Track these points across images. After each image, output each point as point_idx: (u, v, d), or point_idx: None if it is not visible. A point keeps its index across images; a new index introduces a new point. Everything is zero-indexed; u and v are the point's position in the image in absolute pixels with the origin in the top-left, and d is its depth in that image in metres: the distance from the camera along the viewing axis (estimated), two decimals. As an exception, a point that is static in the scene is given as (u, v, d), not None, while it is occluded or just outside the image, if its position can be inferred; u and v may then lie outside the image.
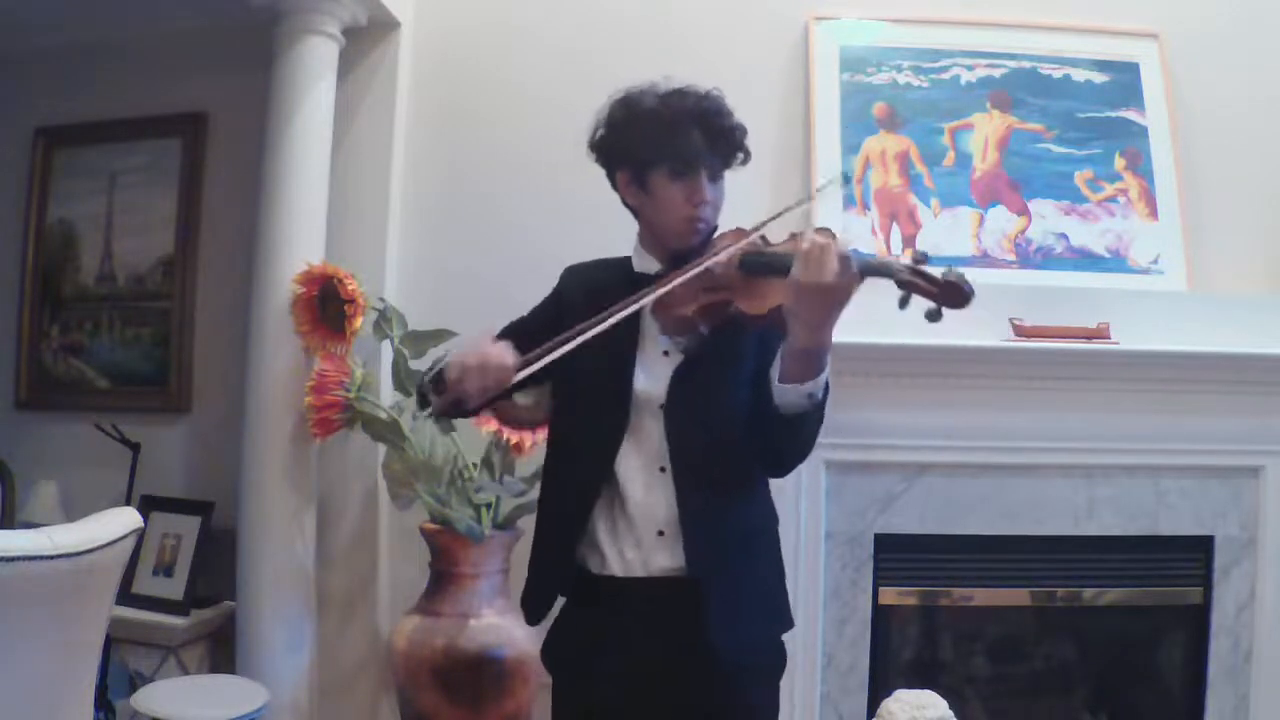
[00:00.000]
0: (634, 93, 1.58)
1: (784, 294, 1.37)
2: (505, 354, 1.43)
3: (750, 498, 1.62)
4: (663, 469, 1.53)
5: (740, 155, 1.60)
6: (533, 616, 1.63)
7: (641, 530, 1.53)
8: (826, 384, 1.43)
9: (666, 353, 1.57)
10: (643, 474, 1.53)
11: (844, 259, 1.32)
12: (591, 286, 1.62)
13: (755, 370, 1.55)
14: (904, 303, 1.36)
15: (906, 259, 1.36)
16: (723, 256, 1.49)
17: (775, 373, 1.42)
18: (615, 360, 1.56)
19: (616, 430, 1.54)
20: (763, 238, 1.56)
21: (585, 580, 1.56)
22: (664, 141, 1.53)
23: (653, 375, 1.55)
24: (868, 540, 2.55)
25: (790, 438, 1.48)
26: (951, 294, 1.32)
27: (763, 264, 1.47)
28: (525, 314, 1.71)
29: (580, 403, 1.59)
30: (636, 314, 1.54)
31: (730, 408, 1.53)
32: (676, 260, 1.56)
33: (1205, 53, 2.86)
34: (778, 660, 1.63)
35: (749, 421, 1.52)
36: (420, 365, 2.57)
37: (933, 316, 1.34)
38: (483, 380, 1.42)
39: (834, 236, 1.36)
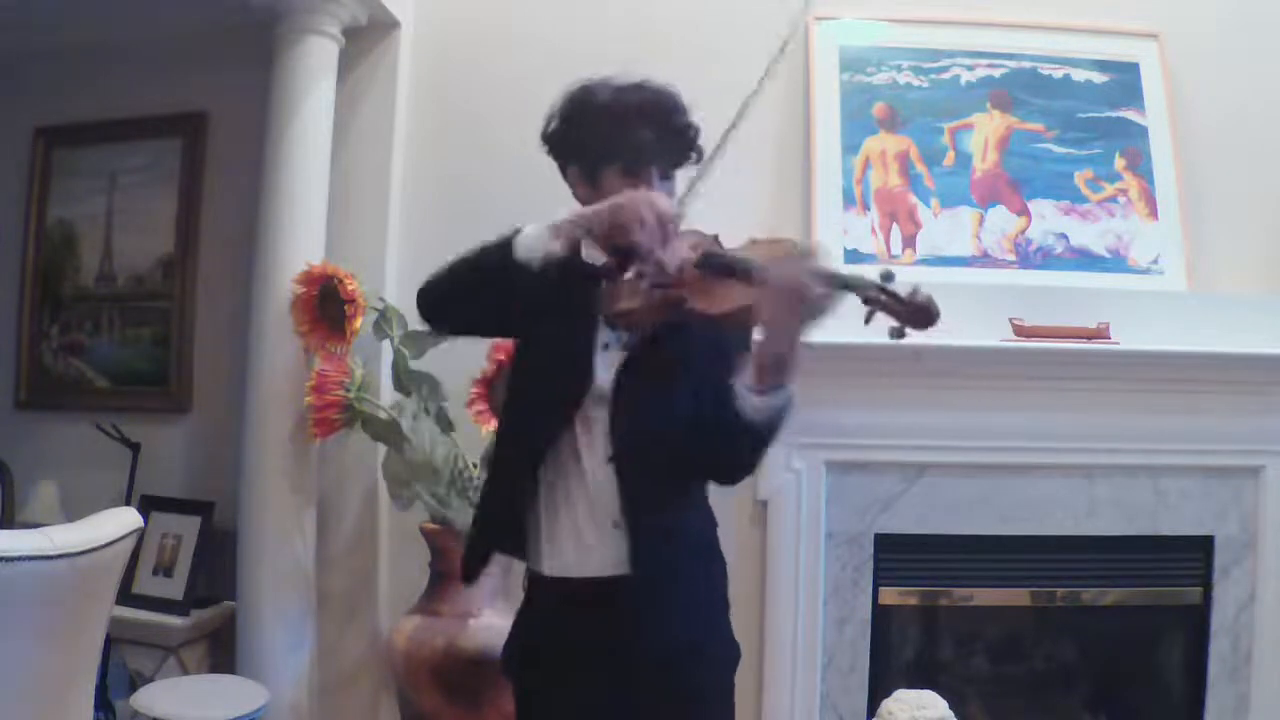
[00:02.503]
0: (588, 86, 1.56)
1: (747, 297, 1.38)
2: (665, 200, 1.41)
3: (692, 500, 1.60)
4: (610, 459, 1.49)
5: (693, 154, 1.57)
6: (471, 575, 1.62)
7: (600, 521, 1.49)
8: (790, 398, 1.42)
9: (607, 345, 1.53)
10: (601, 466, 1.50)
11: (816, 270, 1.33)
12: (550, 267, 1.56)
13: (707, 376, 1.52)
14: (868, 319, 1.37)
15: (874, 277, 1.35)
16: (678, 259, 1.46)
17: (743, 382, 1.41)
18: (576, 352, 1.52)
19: (567, 417, 1.50)
20: (716, 239, 1.54)
21: (538, 583, 1.53)
22: (615, 138, 1.50)
23: (601, 368, 1.52)
24: (868, 540, 2.55)
25: (751, 448, 1.47)
26: (919, 315, 1.33)
27: (721, 265, 1.45)
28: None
29: (544, 391, 1.54)
30: (595, 306, 1.52)
31: (675, 403, 1.51)
32: (624, 254, 1.52)
33: (1205, 53, 2.86)
34: (735, 650, 1.61)
35: (702, 430, 1.49)
36: (420, 365, 2.57)
37: (896, 334, 1.35)
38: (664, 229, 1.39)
39: (811, 251, 1.38)
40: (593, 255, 1.58)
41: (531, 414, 1.54)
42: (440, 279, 1.59)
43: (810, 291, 1.33)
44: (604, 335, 1.54)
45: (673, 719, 1.52)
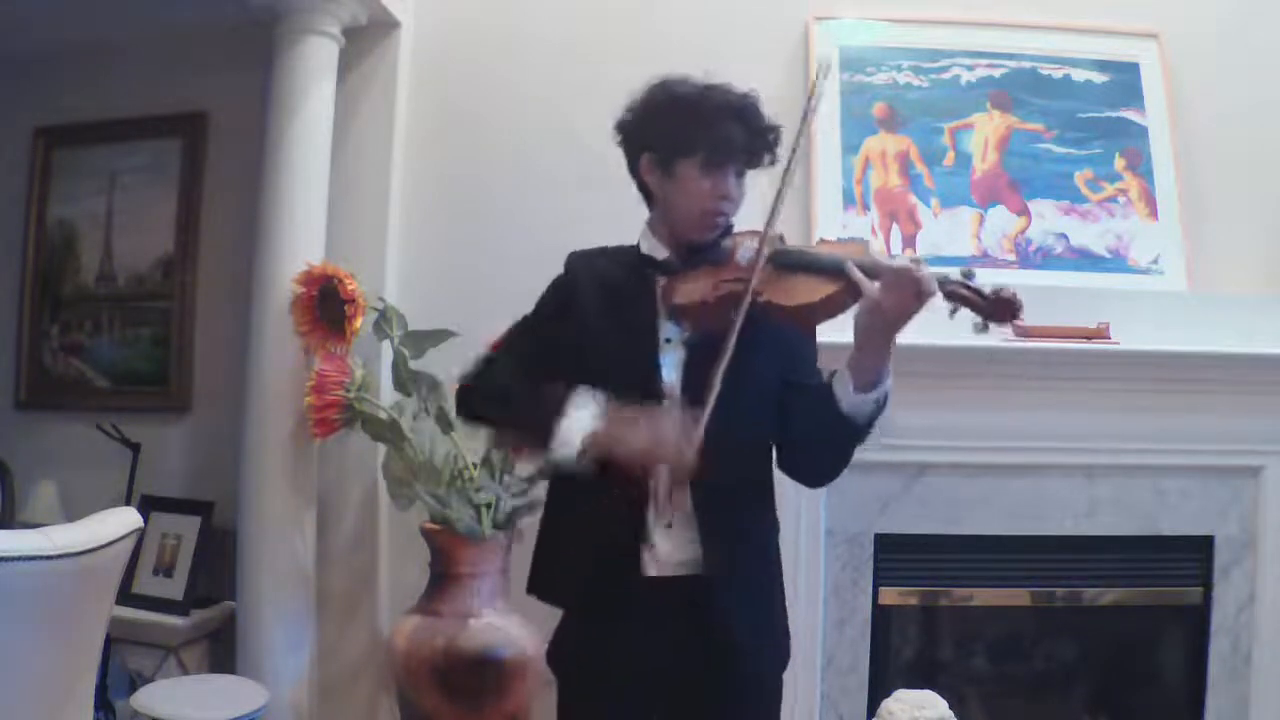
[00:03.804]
0: (672, 80, 1.57)
1: (825, 289, 1.42)
2: (682, 430, 1.40)
3: (760, 498, 1.63)
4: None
5: (769, 157, 1.59)
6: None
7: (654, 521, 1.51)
8: (888, 392, 1.47)
9: (669, 340, 1.55)
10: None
11: (928, 280, 1.36)
12: (603, 275, 1.61)
13: (783, 379, 1.57)
14: (952, 314, 1.42)
15: (956, 274, 1.41)
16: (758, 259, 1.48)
17: (844, 385, 1.44)
18: (640, 350, 1.54)
19: None
20: (781, 237, 1.57)
21: (594, 584, 1.53)
22: (701, 130, 1.52)
23: (667, 365, 1.54)
24: (868, 540, 2.55)
25: (852, 444, 1.52)
26: (1001, 308, 1.39)
27: (798, 262, 1.49)
28: (532, 316, 1.65)
29: (609, 393, 1.50)
30: (655, 301, 1.55)
31: (745, 401, 1.52)
32: (688, 250, 1.57)
33: (1205, 53, 2.86)
34: (787, 652, 1.65)
35: (795, 436, 1.56)
36: (420, 365, 2.57)
37: (979, 329, 1.41)
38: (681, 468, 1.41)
39: (918, 262, 1.40)
40: (654, 247, 1.61)
41: None
42: (477, 402, 1.63)
43: (929, 283, 1.36)
44: (664, 330, 1.55)
45: (730, 709, 1.54)
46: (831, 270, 1.44)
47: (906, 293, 1.36)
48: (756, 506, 1.62)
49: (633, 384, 1.50)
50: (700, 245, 1.57)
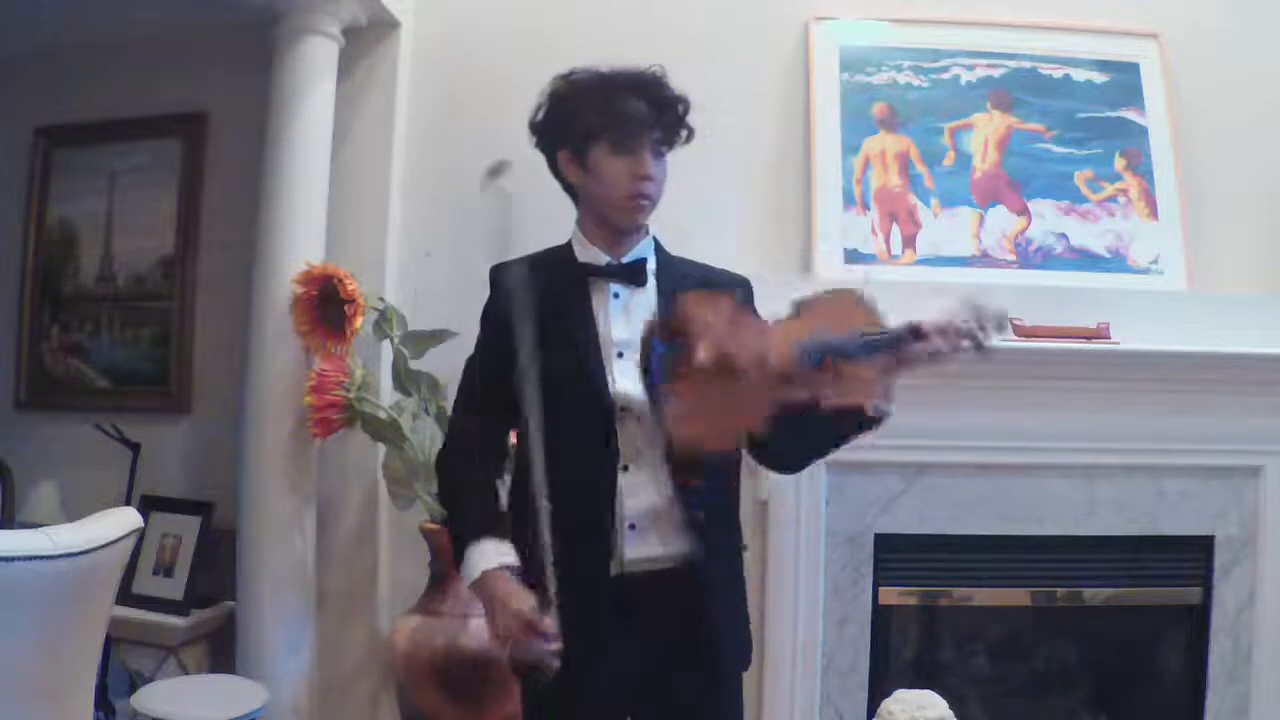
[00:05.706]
0: (576, 71, 1.57)
1: (878, 376, 1.40)
2: (523, 604, 1.41)
3: (729, 498, 1.62)
4: (625, 467, 1.51)
5: (684, 132, 1.57)
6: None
7: (619, 521, 1.50)
8: None
9: (621, 354, 1.53)
10: (627, 471, 1.52)
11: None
12: (536, 286, 1.55)
13: None
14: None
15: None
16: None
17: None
18: (588, 363, 1.52)
19: (610, 438, 1.50)
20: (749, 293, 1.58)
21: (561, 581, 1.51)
22: (606, 112, 1.50)
23: (623, 376, 1.52)
24: (868, 540, 2.55)
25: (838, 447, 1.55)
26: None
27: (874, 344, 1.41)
28: (477, 356, 1.64)
29: (560, 411, 1.50)
30: (594, 315, 1.54)
31: None
32: (615, 233, 1.56)
33: (1205, 53, 2.86)
34: (749, 654, 1.65)
35: (780, 438, 1.51)
36: (420, 365, 2.57)
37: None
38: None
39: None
40: (592, 253, 1.58)
41: (582, 451, 1.50)
42: (443, 483, 1.66)
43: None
44: (616, 343, 1.53)
45: (697, 694, 1.54)
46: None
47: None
48: (726, 506, 1.61)
49: (584, 399, 1.50)
50: (628, 229, 1.56)
